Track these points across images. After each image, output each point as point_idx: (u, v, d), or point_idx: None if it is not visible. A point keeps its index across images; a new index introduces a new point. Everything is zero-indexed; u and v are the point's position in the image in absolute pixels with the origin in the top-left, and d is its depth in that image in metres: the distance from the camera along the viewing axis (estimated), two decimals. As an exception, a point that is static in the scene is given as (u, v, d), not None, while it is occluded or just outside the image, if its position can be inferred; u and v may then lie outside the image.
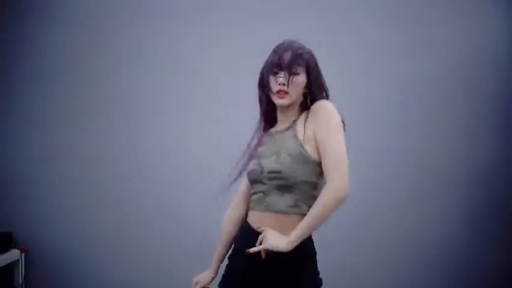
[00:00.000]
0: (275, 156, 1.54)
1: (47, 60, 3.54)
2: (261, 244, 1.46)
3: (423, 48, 3.72)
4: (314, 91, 1.62)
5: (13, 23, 3.52)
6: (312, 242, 1.61)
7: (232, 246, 1.74)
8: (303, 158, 1.51)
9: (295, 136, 1.55)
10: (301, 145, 1.53)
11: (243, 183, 1.74)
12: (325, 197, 1.45)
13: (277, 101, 1.59)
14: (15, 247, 3.32)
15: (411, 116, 3.69)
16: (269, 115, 1.69)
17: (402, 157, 3.67)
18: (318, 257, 1.63)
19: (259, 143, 1.63)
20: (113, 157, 3.50)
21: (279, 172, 1.51)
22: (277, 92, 1.57)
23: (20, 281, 3.29)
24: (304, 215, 1.49)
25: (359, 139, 3.38)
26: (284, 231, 1.49)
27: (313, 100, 1.63)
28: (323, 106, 1.55)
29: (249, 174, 1.64)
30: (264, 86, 1.63)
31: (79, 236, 3.45)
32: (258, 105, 1.72)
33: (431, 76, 3.71)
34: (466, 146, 3.72)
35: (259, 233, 1.52)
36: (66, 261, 3.44)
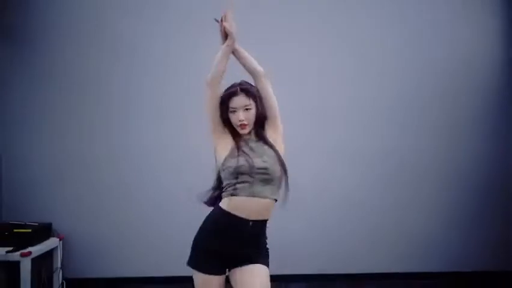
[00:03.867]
0: (260, 158, 2.05)
1: (47, 63, 4.04)
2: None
3: (414, 55, 4.23)
4: (261, 113, 2.14)
5: (13, 27, 4.02)
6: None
7: (207, 228, 2.12)
8: (278, 160, 2.09)
9: (268, 144, 2.12)
10: (275, 150, 2.10)
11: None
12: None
13: (241, 131, 2.11)
14: (54, 236, 3.90)
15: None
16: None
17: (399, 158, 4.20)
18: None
19: (237, 144, 2.10)
20: (131, 158, 4.08)
21: (266, 169, 2.03)
22: (240, 126, 2.10)
23: (59, 264, 3.88)
24: (276, 199, 2.07)
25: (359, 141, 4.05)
26: (262, 212, 2.03)
27: (260, 119, 2.16)
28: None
29: (239, 168, 2.02)
30: (223, 115, 2.14)
31: (105, 225, 4.04)
32: None
33: (421, 83, 4.23)
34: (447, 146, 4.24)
35: (247, 221, 2.01)
36: (95, 245, 4.02)
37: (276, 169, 2.06)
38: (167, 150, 4.07)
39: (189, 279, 3.83)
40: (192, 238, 3.89)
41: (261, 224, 2.09)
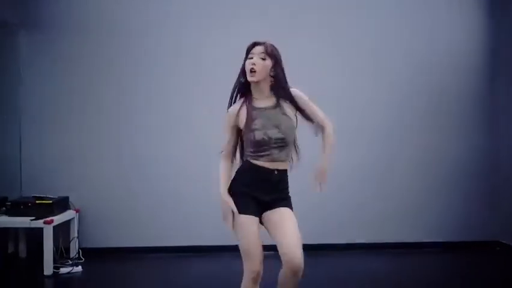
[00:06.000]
0: (277, 129, 2.27)
1: (65, 56, 4.43)
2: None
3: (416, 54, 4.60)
4: (278, 77, 2.30)
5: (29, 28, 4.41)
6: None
7: (240, 180, 2.33)
8: (293, 128, 2.33)
9: (285, 114, 2.30)
10: (291, 119, 2.31)
11: (225, 152, 2.40)
12: (331, 138, 2.33)
13: (249, 78, 2.27)
14: (71, 208, 4.29)
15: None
16: (243, 92, 2.38)
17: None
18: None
19: (251, 117, 2.28)
20: (140, 140, 4.48)
21: (283, 139, 2.27)
22: (250, 70, 2.26)
23: (76, 234, 4.26)
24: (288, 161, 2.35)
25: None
26: (281, 165, 2.31)
27: (279, 85, 2.32)
28: (299, 93, 2.40)
29: (259, 142, 2.25)
30: (242, 71, 2.31)
31: (117, 201, 4.43)
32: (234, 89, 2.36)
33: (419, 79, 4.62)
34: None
35: (272, 170, 2.28)
36: (108, 219, 4.42)
37: (290, 137, 2.31)
38: (177, 130, 4.47)
39: (191, 249, 4.31)
40: (199, 211, 4.31)
41: (284, 172, 2.35)
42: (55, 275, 3.78)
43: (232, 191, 2.34)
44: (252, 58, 2.30)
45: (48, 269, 3.76)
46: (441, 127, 4.63)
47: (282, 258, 2.15)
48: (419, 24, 4.64)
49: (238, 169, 2.40)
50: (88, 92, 4.47)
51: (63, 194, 4.26)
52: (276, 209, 2.30)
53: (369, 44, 4.61)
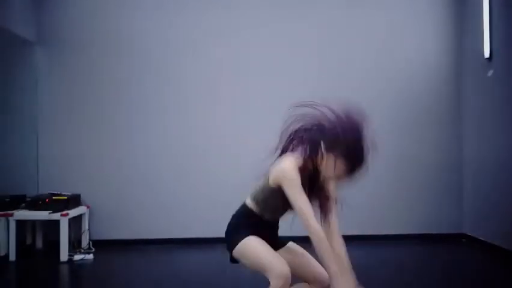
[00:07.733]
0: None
1: (80, 60, 4.97)
2: None
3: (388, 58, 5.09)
4: None
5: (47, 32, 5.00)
6: None
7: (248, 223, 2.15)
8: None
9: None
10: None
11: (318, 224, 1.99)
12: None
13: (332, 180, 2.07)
14: (82, 204, 4.80)
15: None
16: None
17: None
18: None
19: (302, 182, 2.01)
20: (148, 139, 5.01)
21: None
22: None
23: (87, 227, 4.77)
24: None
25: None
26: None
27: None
28: None
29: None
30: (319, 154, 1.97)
31: (124, 198, 4.96)
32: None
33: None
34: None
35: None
36: (116, 214, 4.94)
37: None
38: (189, 131, 4.96)
39: (196, 241, 4.80)
40: (203, 203, 4.90)
41: None
42: (70, 261, 4.29)
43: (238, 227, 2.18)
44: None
45: (64, 255, 4.27)
46: (411, 129, 5.12)
47: (316, 281, 2.14)
48: (389, 27, 5.10)
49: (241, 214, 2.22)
50: (98, 99, 5.00)
51: (75, 192, 4.77)
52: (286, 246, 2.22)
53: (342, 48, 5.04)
